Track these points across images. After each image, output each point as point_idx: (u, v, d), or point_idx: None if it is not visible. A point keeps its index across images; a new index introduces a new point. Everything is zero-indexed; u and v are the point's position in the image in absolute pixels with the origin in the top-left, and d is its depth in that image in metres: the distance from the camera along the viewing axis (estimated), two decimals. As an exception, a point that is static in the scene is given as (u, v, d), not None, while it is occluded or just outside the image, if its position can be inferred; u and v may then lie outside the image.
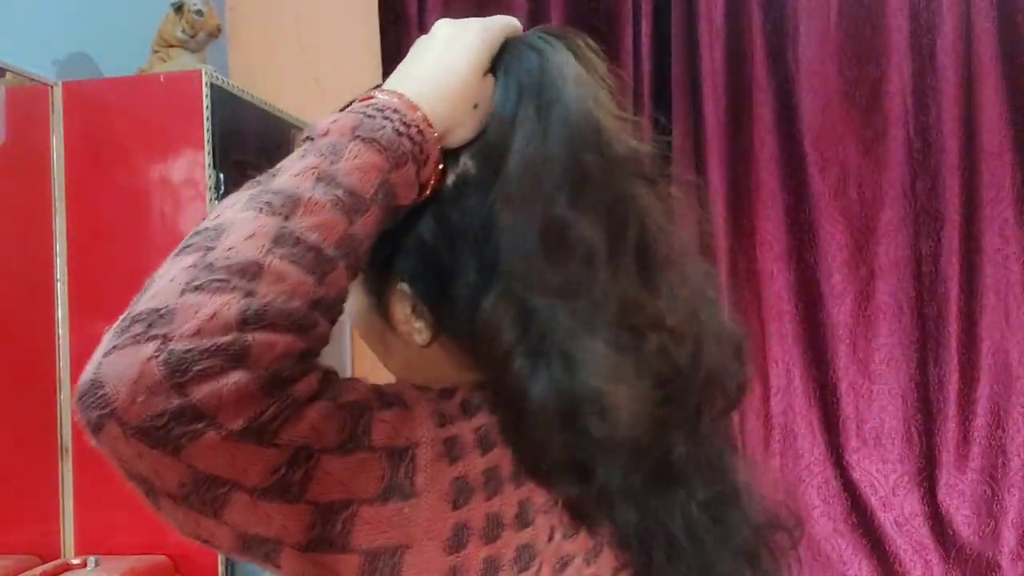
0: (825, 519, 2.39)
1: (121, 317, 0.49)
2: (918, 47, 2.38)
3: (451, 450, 0.54)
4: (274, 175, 0.55)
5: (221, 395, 0.45)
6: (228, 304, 0.46)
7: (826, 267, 2.42)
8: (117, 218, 1.93)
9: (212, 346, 0.45)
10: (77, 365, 1.91)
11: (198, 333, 0.45)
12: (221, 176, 1.94)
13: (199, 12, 2.08)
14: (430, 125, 0.57)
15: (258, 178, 0.56)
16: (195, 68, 2.00)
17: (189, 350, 0.45)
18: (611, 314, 0.56)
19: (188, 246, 0.49)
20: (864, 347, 2.40)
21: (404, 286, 0.62)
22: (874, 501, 2.37)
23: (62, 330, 1.91)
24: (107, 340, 0.48)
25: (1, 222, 1.86)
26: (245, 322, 0.46)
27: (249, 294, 0.46)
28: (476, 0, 2.59)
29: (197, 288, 0.46)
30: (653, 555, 0.59)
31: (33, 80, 1.91)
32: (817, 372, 2.43)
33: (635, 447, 0.56)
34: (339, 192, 0.52)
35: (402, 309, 0.63)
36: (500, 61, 0.61)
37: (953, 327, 2.34)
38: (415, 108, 0.57)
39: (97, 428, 0.47)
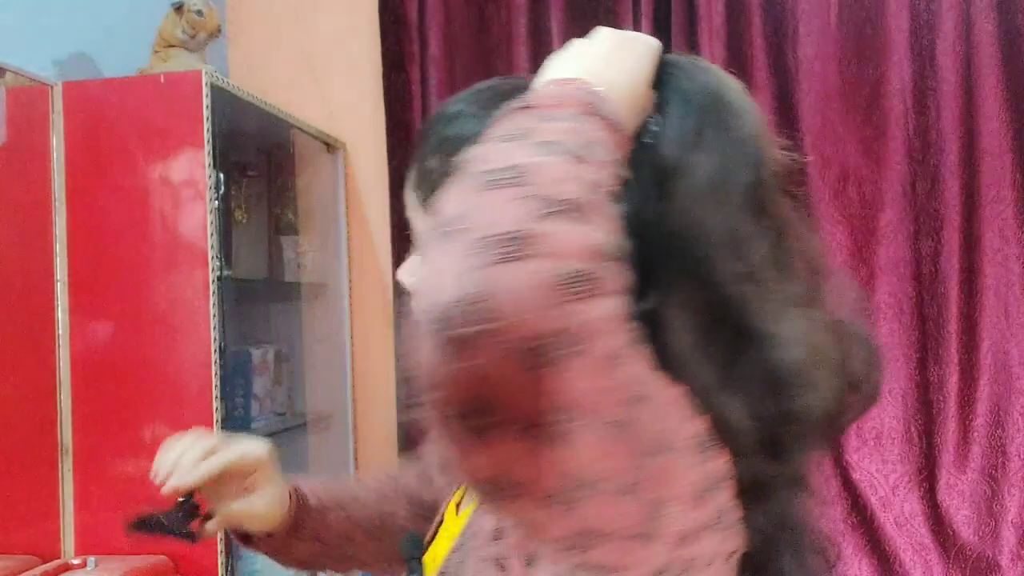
0: (825, 519, 2.39)
1: (456, 241, 0.45)
2: (918, 47, 2.38)
3: (687, 408, 0.57)
4: (530, 127, 0.52)
5: (594, 320, 0.45)
6: (586, 234, 0.46)
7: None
8: (117, 218, 1.93)
9: (585, 272, 0.45)
10: (77, 365, 1.91)
11: (569, 258, 0.45)
12: (221, 176, 1.95)
13: (199, 12, 2.08)
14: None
15: (514, 122, 0.53)
16: (195, 68, 2.00)
17: (568, 272, 0.44)
18: (798, 303, 0.59)
19: (496, 182, 0.47)
20: (864, 347, 2.40)
21: None
22: (874, 501, 2.37)
23: (62, 330, 1.91)
24: (459, 258, 0.45)
25: (1, 222, 1.86)
26: (598, 253, 0.46)
27: (596, 228, 0.47)
28: (476, 1, 2.59)
29: (548, 216, 0.45)
30: (760, 548, 0.61)
31: (33, 80, 1.91)
32: (817, 372, 2.43)
33: (829, 425, 0.60)
34: (604, 156, 0.53)
35: None
36: (663, 76, 0.63)
37: (953, 327, 2.34)
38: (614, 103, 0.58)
39: (468, 344, 0.44)
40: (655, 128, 0.61)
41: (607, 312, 0.46)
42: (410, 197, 0.73)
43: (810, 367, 0.58)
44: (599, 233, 0.47)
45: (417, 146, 0.74)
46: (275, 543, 0.91)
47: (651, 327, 0.57)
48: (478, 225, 0.46)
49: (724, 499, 0.57)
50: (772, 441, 0.59)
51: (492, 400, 0.46)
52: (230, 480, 0.86)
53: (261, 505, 0.88)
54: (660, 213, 0.59)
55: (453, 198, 0.49)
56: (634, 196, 0.59)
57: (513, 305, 0.43)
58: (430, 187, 0.68)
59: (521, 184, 0.47)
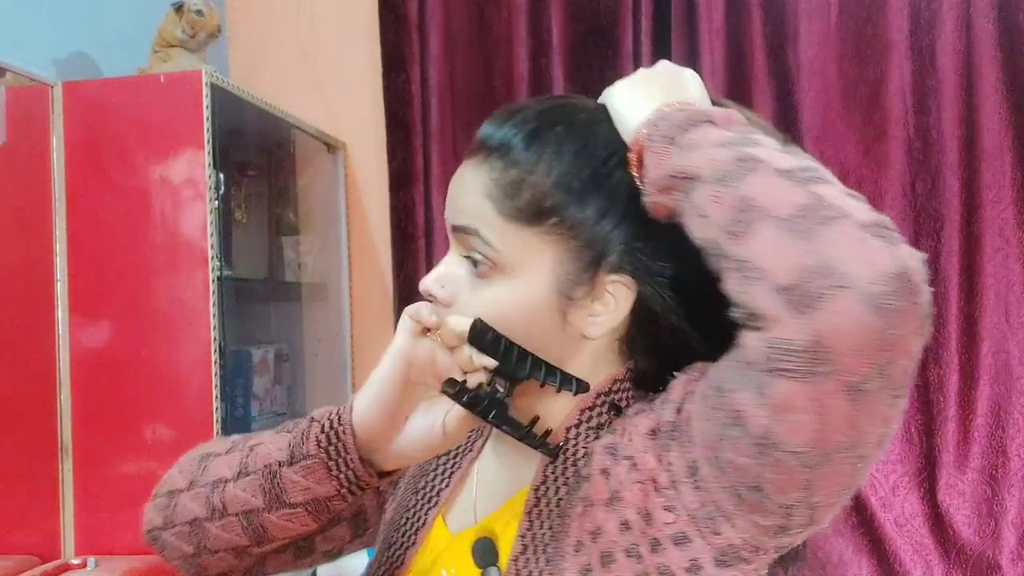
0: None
1: (838, 224, 0.54)
2: (918, 47, 2.38)
3: None
4: (758, 138, 0.62)
5: (926, 308, 0.53)
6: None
7: (826, 267, 2.42)
8: (117, 218, 1.93)
9: (923, 262, 0.54)
10: (77, 365, 1.91)
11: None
12: (221, 176, 1.95)
13: (199, 12, 2.08)
14: None
15: (741, 131, 0.62)
16: (195, 68, 2.00)
17: (922, 262, 0.54)
18: None
19: (808, 179, 0.57)
20: (864, 347, 2.40)
21: (624, 279, 0.69)
22: (874, 501, 2.37)
23: (62, 330, 1.91)
24: (857, 239, 0.53)
25: (1, 222, 1.86)
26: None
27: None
28: (476, 1, 2.59)
29: (871, 209, 0.56)
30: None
31: (33, 80, 1.91)
32: (817, 372, 2.43)
33: None
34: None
35: (609, 303, 0.69)
36: None
37: (953, 327, 2.34)
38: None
39: (899, 311, 0.51)
40: None
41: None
42: (484, 208, 0.69)
43: None
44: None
45: (489, 155, 0.71)
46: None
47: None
48: (846, 213, 0.54)
49: None
50: None
51: (893, 362, 0.53)
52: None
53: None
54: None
55: (782, 191, 0.56)
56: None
57: (922, 279, 0.52)
58: (526, 201, 0.68)
59: (824, 179, 0.57)
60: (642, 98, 0.66)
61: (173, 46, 2.09)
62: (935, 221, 2.37)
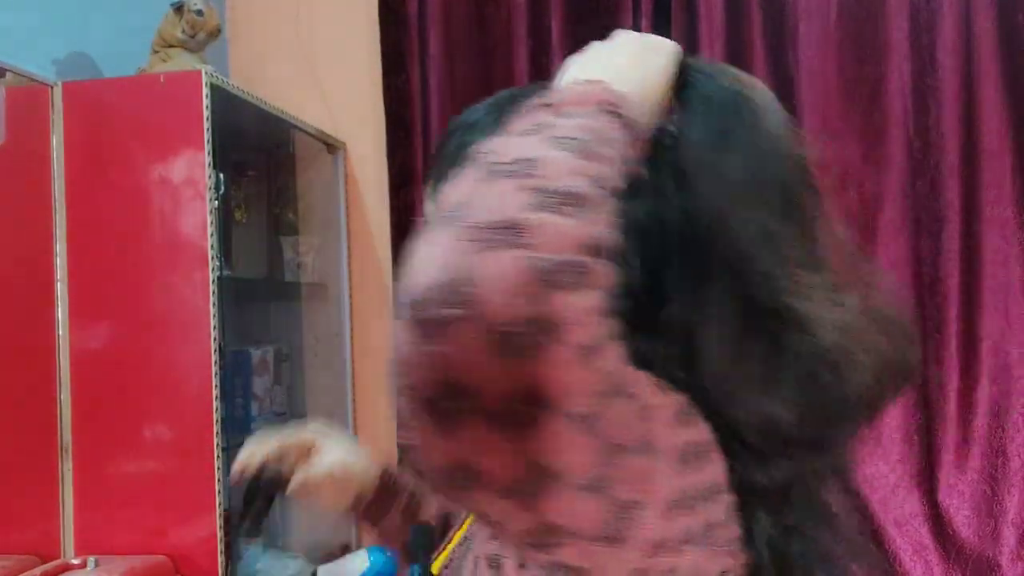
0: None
1: (449, 228, 0.46)
2: (918, 46, 2.38)
3: (680, 415, 0.56)
4: (545, 122, 0.54)
5: (574, 310, 0.45)
6: (576, 227, 0.47)
7: (826, 267, 2.42)
8: (117, 218, 1.93)
9: (570, 263, 0.45)
10: (77, 365, 1.91)
11: (557, 248, 0.45)
12: (221, 176, 1.95)
13: (199, 12, 2.08)
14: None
15: (536, 118, 0.54)
16: (195, 68, 2.00)
17: (553, 262, 0.45)
18: (833, 291, 0.60)
19: (501, 170, 0.49)
20: (864, 347, 2.40)
21: None
22: (874, 501, 2.37)
23: (62, 330, 1.91)
24: (446, 244, 0.46)
25: (1, 222, 1.86)
26: (588, 247, 0.47)
27: (588, 224, 0.47)
28: (476, 1, 2.59)
29: (541, 208, 0.46)
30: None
31: (33, 80, 1.91)
32: (817, 372, 2.43)
33: (870, 405, 0.60)
34: (614, 154, 0.53)
35: None
36: (685, 80, 0.64)
37: (953, 327, 2.34)
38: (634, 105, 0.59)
39: (444, 326, 0.44)
40: (674, 130, 0.61)
41: (589, 304, 0.46)
42: (430, 208, 0.72)
43: (850, 349, 0.59)
44: (594, 227, 0.48)
45: (436, 158, 0.74)
46: (372, 513, 1.00)
47: (675, 331, 0.58)
48: (473, 213, 0.46)
49: (716, 513, 0.56)
50: (814, 436, 0.59)
51: (463, 385, 0.45)
52: (295, 456, 0.97)
53: (322, 467, 0.98)
54: (684, 213, 0.59)
55: (458, 187, 0.50)
56: (652, 197, 0.60)
57: (492, 291, 0.43)
58: None
59: (524, 175, 0.48)
60: (576, 70, 0.62)
61: (173, 46, 2.10)
62: (935, 221, 2.37)
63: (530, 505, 0.49)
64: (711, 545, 0.56)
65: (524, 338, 0.44)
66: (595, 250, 0.47)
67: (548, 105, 0.55)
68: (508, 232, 0.45)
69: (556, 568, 0.53)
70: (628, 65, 0.61)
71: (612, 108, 0.55)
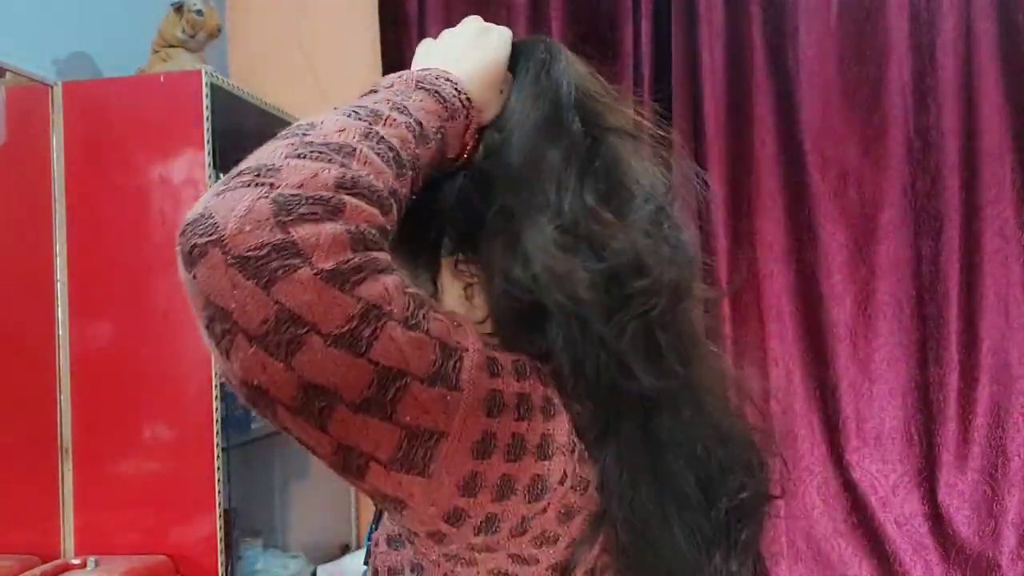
0: (825, 519, 2.39)
1: (227, 175, 0.55)
2: (918, 46, 2.38)
3: (491, 366, 0.58)
4: (355, 103, 0.62)
5: (318, 237, 0.51)
6: (327, 169, 0.54)
7: (826, 267, 2.42)
8: (117, 218, 1.93)
9: (314, 197, 0.52)
10: (77, 365, 1.91)
11: (302, 186, 0.52)
12: (221, 176, 1.94)
13: (199, 12, 2.08)
14: (471, 99, 0.67)
15: (335, 105, 0.62)
16: (195, 68, 2.00)
17: (295, 195, 0.51)
18: (567, 221, 0.65)
19: (285, 135, 0.57)
20: (864, 347, 2.40)
21: (451, 259, 0.70)
22: (874, 501, 2.37)
23: (62, 330, 1.91)
24: (214, 187, 0.53)
25: (1, 222, 1.86)
26: (341, 185, 0.53)
27: (344, 166, 0.54)
28: (476, 1, 2.59)
29: (299, 156, 0.54)
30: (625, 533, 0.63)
31: (33, 80, 1.91)
32: (817, 372, 2.43)
33: (658, 306, 0.64)
34: (410, 120, 0.61)
35: (456, 289, 0.70)
36: (515, 58, 0.73)
37: (953, 327, 2.34)
38: (461, 81, 0.67)
39: (199, 255, 0.51)
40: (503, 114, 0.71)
41: (336, 233, 0.51)
42: None
43: (639, 258, 0.65)
44: (350, 171, 0.54)
45: None
46: None
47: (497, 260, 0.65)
48: (241, 166, 0.54)
49: (549, 465, 0.59)
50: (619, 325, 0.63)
51: (224, 309, 0.50)
52: None
53: None
54: (501, 160, 0.68)
55: (267, 150, 0.57)
56: (498, 153, 0.68)
57: (231, 221, 0.50)
58: None
59: (300, 135, 0.56)
60: (418, 63, 0.71)
61: (173, 46, 2.10)
62: (935, 221, 2.37)
63: (320, 425, 0.52)
64: (539, 498, 0.59)
65: (267, 262, 0.49)
66: (349, 189, 0.53)
67: (373, 91, 0.64)
68: (254, 174, 0.52)
69: (383, 501, 0.57)
70: (463, 52, 0.69)
71: (428, 86, 0.64)
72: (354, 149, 0.56)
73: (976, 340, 2.34)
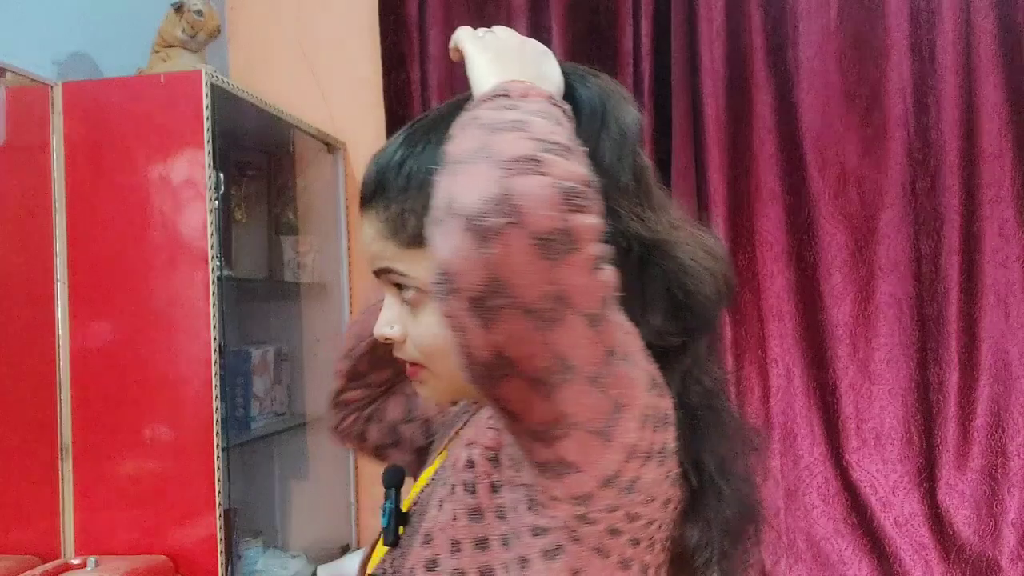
0: (825, 519, 2.39)
1: (479, 163, 0.57)
2: (918, 47, 2.38)
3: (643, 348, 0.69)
4: (512, 103, 0.65)
5: (586, 227, 0.56)
6: (577, 166, 0.59)
7: (826, 267, 2.42)
8: (117, 218, 1.93)
9: (579, 190, 0.57)
10: (77, 365, 1.91)
11: (570, 178, 0.57)
12: (221, 176, 1.95)
13: (199, 12, 2.08)
14: None
15: (497, 103, 0.65)
16: (195, 68, 2.00)
17: (571, 188, 0.56)
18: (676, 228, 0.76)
19: (502, 128, 0.60)
20: (864, 347, 2.40)
21: None
22: (874, 501, 2.37)
23: (62, 330, 1.91)
24: (485, 172, 0.56)
25: (1, 222, 1.86)
26: (590, 182, 0.59)
27: (582, 165, 0.60)
28: (476, 1, 2.59)
29: (545, 150, 0.57)
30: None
31: (33, 80, 1.91)
32: (817, 372, 2.43)
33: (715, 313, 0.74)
34: (569, 130, 0.65)
35: None
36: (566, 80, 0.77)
37: (953, 327, 2.34)
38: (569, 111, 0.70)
39: (495, 233, 0.54)
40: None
41: (594, 224, 0.57)
42: (386, 248, 0.77)
43: (701, 266, 0.72)
44: (584, 168, 0.59)
45: (370, 202, 0.78)
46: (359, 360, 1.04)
47: None
48: (496, 152, 0.57)
49: (669, 439, 0.66)
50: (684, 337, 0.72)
51: (507, 283, 0.55)
52: None
53: None
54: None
55: (463, 140, 0.60)
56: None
57: (532, 204, 0.54)
58: (413, 226, 0.74)
59: (520, 130, 0.59)
60: (493, 74, 0.74)
61: (173, 46, 2.10)
62: (935, 221, 2.37)
63: (550, 394, 0.58)
64: (666, 467, 0.66)
65: (556, 245, 0.55)
66: (589, 185, 0.58)
67: (501, 95, 0.65)
68: (532, 163, 0.56)
69: (549, 466, 0.62)
70: (536, 68, 0.74)
71: (553, 101, 0.66)
72: (571, 148, 0.60)
73: (976, 340, 2.34)
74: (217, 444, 1.87)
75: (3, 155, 1.87)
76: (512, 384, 0.58)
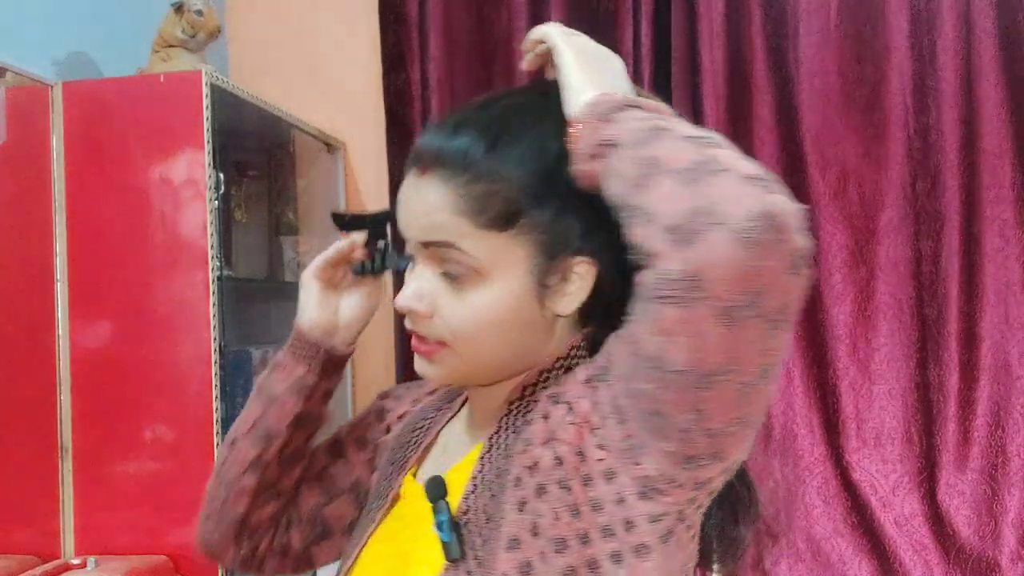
0: (825, 519, 2.39)
1: (723, 175, 0.61)
2: (918, 47, 2.38)
3: None
4: (670, 122, 0.68)
5: (805, 246, 0.61)
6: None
7: (826, 267, 2.42)
8: (117, 218, 1.93)
9: (800, 210, 0.61)
10: (77, 365, 1.91)
11: (791, 202, 0.61)
12: (221, 176, 1.95)
13: (199, 12, 2.08)
14: None
15: (652, 120, 0.68)
16: (195, 68, 2.00)
17: (800, 208, 0.61)
18: None
19: (708, 143, 0.65)
20: (864, 347, 2.40)
21: (586, 259, 0.76)
22: (874, 501, 2.37)
23: (62, 330, 1.91)
24: (736, 187, 0.60)
25: (1, 222, 1.86)
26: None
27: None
28: (476, 1, 2.59)
29: (758, 180, 0.61)
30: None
31: (33, 80, 1.91)
32: (817, 372, 2.43)
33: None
34: None
35: (576, 283, 0.76)
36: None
37: (953, 327, 2.34)
38: None
39: (765, 250, 0.58)
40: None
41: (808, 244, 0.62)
42: (456, 223, 0.74)
43: None
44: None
45: (443, 170, 0.75)
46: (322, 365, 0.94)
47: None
48: (732, 167, 0.61)
49: None
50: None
51: (763, 295, 0.59)
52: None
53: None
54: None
55: (682, 152, 0.64)
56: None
57: (792, 223, 0.60)
58: (498, 210, 0.74)
59: (722, 146, 0.64)
60: (590, 81, 0.74)
61: (173, 46, 2.10)
62: (935, 221, 2.37)
63: (750, 395, 0.63)
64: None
65: (803, 261, 0.60)
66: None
67: (647, 108, 0.70)
68: (766, 182, 0.61)
69: (697, 459, 0.65)
70: (621, 78, 0.76)
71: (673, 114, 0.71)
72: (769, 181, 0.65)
73: (976, 340, 2.34)
74: (217, 444, 1.87)
75: (3, 155, 1.87)
76: (723, 387, 0.62)
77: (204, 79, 1.91)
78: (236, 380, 2.29)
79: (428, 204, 0.75)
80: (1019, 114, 2.31)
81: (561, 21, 2.64)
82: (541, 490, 0.70)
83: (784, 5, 2.44)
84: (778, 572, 2.38)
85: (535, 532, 0.69)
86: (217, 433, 1.87)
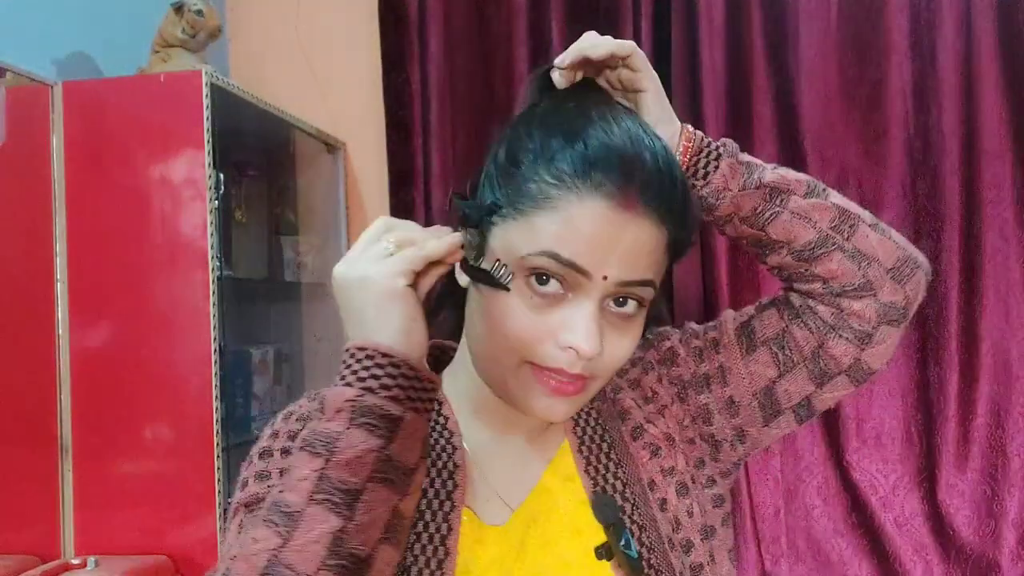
0: (825, 519, 2.39)
1: (879, 231, 0.85)
2: (918, 47, 2.38)
3: None
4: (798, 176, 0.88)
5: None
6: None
7: (826, 267, 2.41)
8: (117, 218, 1.93)
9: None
10: (77, 365, 1.91)
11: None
12: (221, 176, 1.95)
13: (199, 12, 2.08)
14: None
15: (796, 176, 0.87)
16: (195, 68, 2.00)
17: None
18: None
19: (872, 217, 0.87)
20: (864, 347, 2.40)
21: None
22: (874, 501, 2.37)
23: (62, 330, 1.91)
24: (896, 243, 0.84)
25: (1, 222, 1.87)
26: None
27: None
28: (476, 1, 2.59)
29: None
30: None
31: (33, 80, 1.91)
32: (817, 372, 2.42)
33: None
34: None
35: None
36: None
37: (953, 327, 2.34)
38: None
39: (923, 283, 0.85)
40: None
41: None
42: (660, 264, 0.74)
43: None
44: None
45: (665, 209, 0.72)
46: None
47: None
48: (885, 227, 0.85)
49: None
50: None
51: (908, 309, 0.85)
52: None
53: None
54: None
55: (852, 204, 0.85)
56: None
57: (926, 277, 0.86)
58: (681, 251, 0.76)
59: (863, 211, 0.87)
60: (668, 111, 0.93)
61: (173, 46, 2.10)
62: (935, 221, 2.37)
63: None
64: None
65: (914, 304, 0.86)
66: None
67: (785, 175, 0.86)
68: (914, 255, 0.85)
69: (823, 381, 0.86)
70: None
71: None
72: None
73: (976, 340, 2.34)
74: (217, 444, 1.87)
75: (3, 155, 1.87)
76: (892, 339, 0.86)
77: (204, 79, 1.91)
78: (236, 380, 2.29)
79: (642, 244, 0.71)
80: (1019, 114, 2.31)
81: (561, 21, 2.65)
82: (681, 488, 0.83)
83: (784, 5, 2.43)
84: (778, 572, 2.38)
85: (680, 527, 0.81)
86: (217, 433, 1.87)
